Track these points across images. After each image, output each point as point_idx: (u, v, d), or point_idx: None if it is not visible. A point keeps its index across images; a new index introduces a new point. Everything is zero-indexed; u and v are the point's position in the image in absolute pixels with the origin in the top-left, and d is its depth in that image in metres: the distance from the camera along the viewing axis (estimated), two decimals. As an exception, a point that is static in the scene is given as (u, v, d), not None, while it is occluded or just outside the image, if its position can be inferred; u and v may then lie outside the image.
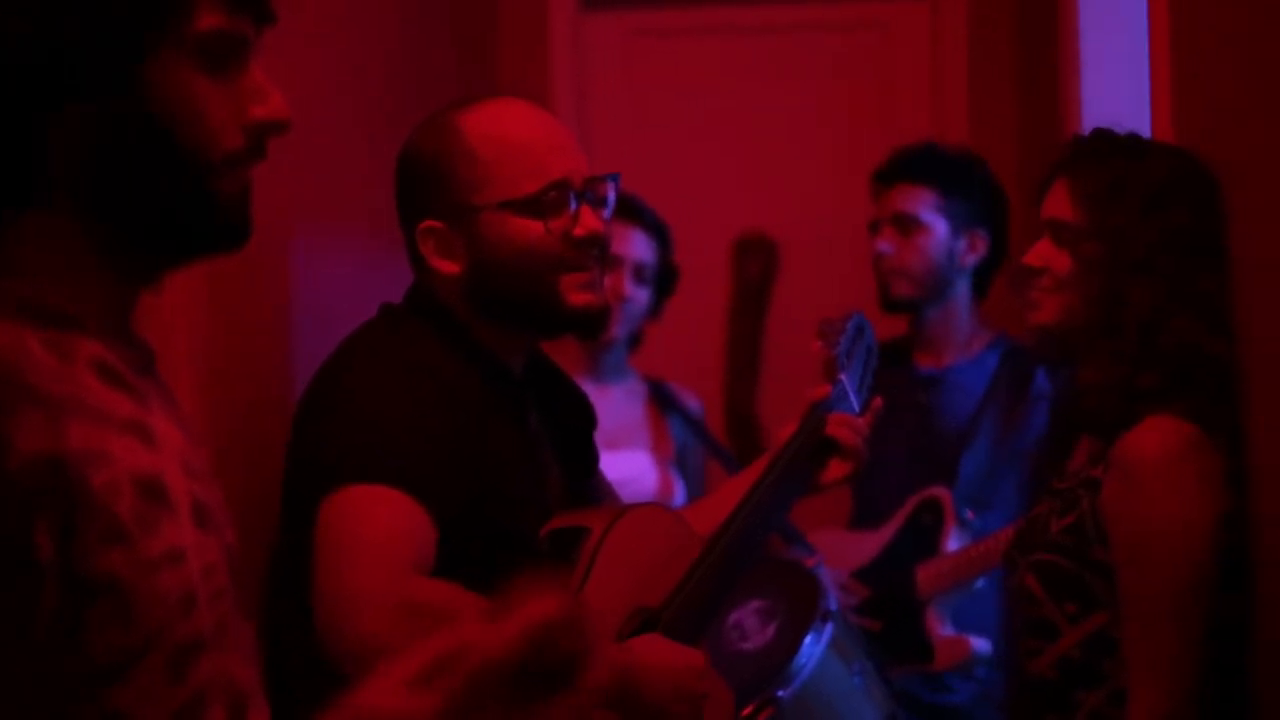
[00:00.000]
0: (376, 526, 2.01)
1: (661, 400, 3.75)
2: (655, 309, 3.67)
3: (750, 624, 2.44)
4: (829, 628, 2.37)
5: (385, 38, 3.61)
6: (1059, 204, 2.40)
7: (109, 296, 1.28)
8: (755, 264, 4.30)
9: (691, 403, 3.83)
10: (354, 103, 3.32)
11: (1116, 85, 3.46)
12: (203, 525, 1.25)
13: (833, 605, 2.41)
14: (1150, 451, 2.24)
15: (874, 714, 2.41)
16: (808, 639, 2.34)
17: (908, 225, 3.46)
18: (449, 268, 2.21)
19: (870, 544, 3.43)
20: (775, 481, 2.31)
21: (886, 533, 3.42)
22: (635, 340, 3.71)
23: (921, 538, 3.37)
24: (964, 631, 3.30)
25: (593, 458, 2.36)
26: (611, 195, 2.28)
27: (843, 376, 2.44)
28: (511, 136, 2.22)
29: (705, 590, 2.17)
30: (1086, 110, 3.43)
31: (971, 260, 3.46)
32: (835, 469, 2.39)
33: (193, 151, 1.26)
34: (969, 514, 3.36)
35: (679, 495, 3.63)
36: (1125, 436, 2.26)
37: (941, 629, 3.29)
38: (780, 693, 2.29)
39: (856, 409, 2.44)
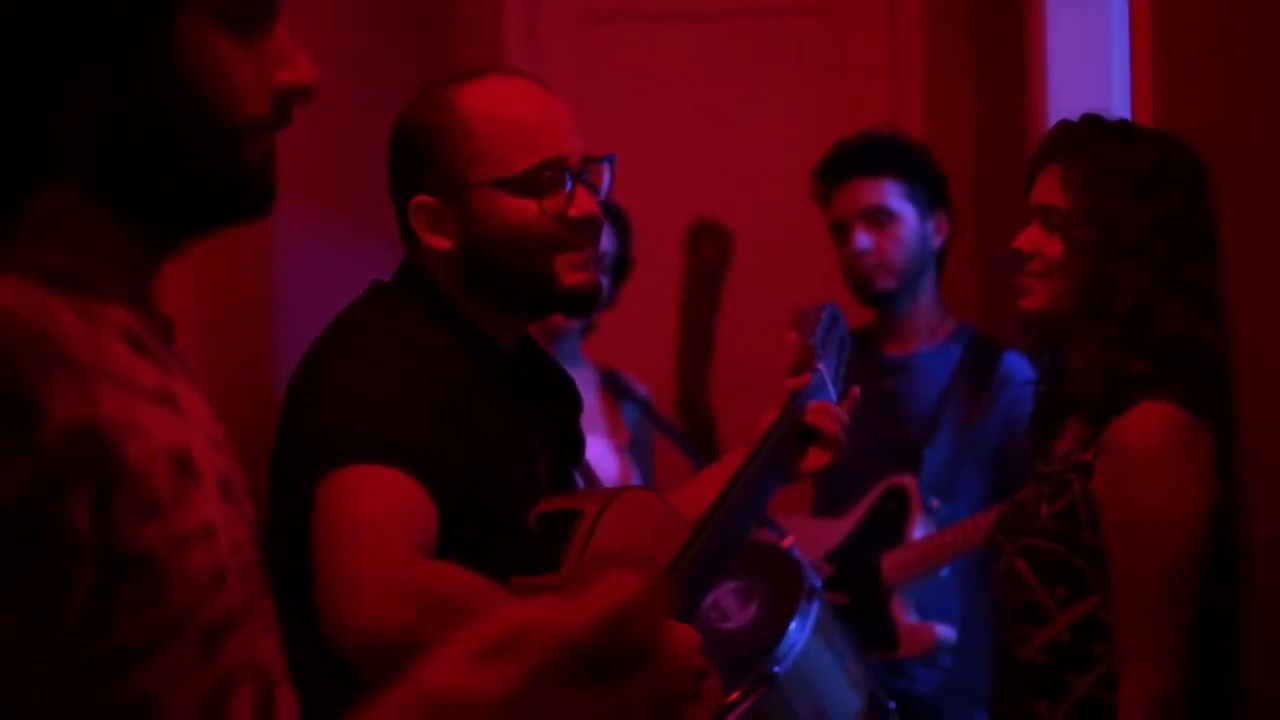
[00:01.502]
0: (377, 506, 1.96)
1: (614, 388, 3.73)
2: (610, 297, 3.65)
3: (729, 604, 2.42)
4: (815, 606, 2.35)
5: (342, 20, 3.56)
6: (1049, 189, 2.39)
7: (132, 266, 1.23)
8: (708, 250, 4.28)
9: (640, 391, 3.81)
10: (341, 79, 3.26)
11: (1083, 72, 3.47)
12: (229, 500, 1.21)
13: (816, 583, 2.40)
14: (1143, 437, 2.23)
15: (856, 692, 2.40)
16: (795, 618, 2.32)
17: (880, 218, 3.44)
18: (440, 244, 2.18)
19: (835, 530, 3.43)
20: (759, 468, 2.29)
21: (851, 519, 3.42)
22: (588, 328, 3.69)
23: (886, 525, 3.38)
24: (928, 619, 3.30)
25: (579, 444, 2.34)
26: (607, 177, 2.25)
27: (820, 365, 2.42)
28: (507, 112, 2.18)
29: (693, 575, 2.14)
30: (1052, 98, 3.43)
31: (938, 243, 3.48)
32: (815, 457, 2.37)
33: (219, 116, 1.20)
34: (934, 502, 3.36)
35: (635, 482, 3.60)
36: (1117, 421, 2.26)
37: (905, 616, 3.30)
38: (776, 669, 2.27)
39: (834, 398, 2.43)
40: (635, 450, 3.72)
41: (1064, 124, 2.45)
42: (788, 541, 2.77)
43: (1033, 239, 2.39)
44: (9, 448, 1.04)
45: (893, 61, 4.52)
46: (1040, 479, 2.38)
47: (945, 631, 3.28)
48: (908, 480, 3.38)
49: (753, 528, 2.34)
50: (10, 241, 1.20)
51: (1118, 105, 3.11)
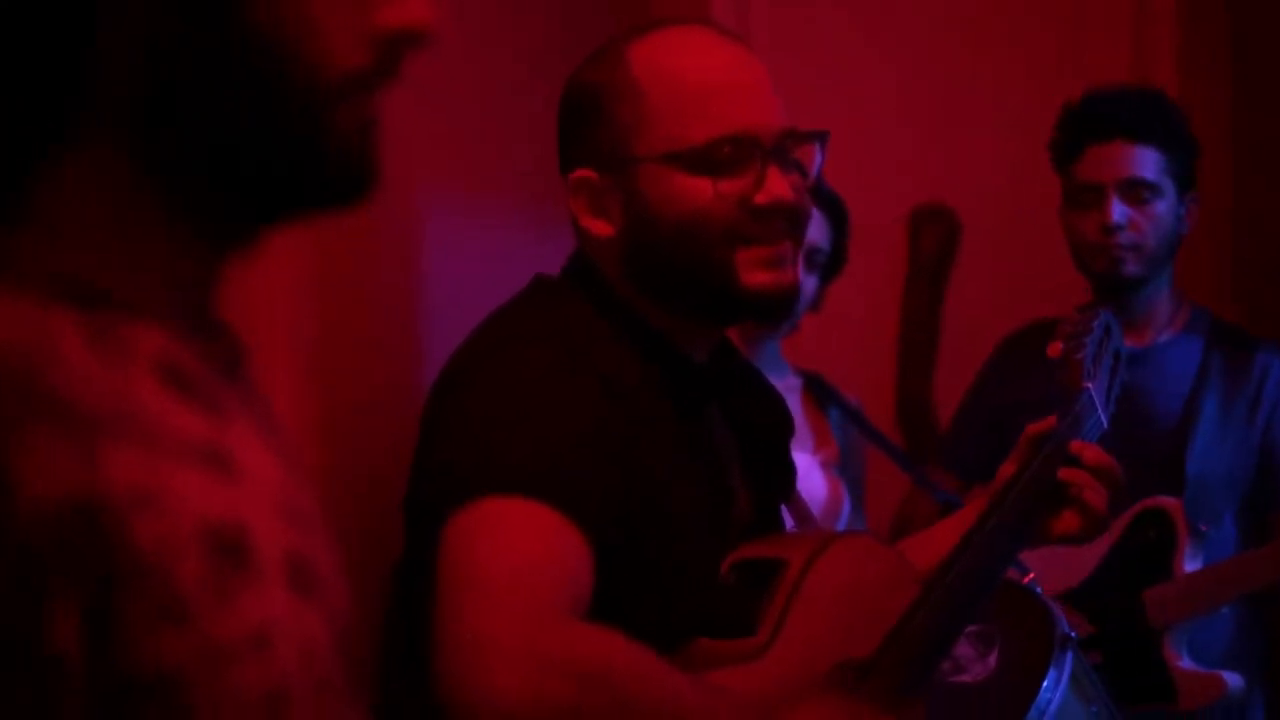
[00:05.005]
0: (516, 551, 1.65)
1: (820, 395, 3.38)
2: (817, 297, 3.30)
3: (965, 652, 2.09)
4: (1069, 658, 2.01)
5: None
6: None
7: (180, 268, 0.98)
8: (932, 238, 3.92)
9: (848, 399, 3.47)
10: (500, 34, 2.95)
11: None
12: (302, 591, 0.94)
13: (1068, 630, 2.05)
14: None
15: None
16: (1049, 674, 1.98)
17: (1142, 192, 3.09)
18: (601, 229, 1.89)
19: (1081, 562, 3.05)
20: (1005, 519, 1.93)
21: (1100, 548, 3.03)
22: (791, 328, 3.34)
23: (1146, 555, 3.00)
24: (1203, 664, 2.95)
25: (790, 476, 1.99)
26: (818, 158, 1.91)
27: (1089, 385, 2.08)
28: (688, 73, 1.86)
29: (925, 640, 1.79)
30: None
31: (1188, 227, 3.16)
32: (1070, 521, 2.02)
33: (300, 69, 0.95)
34: (1202, 526, 2.99)
35: (846, 502, 3.27)
36: None
37: (1180, 663, 2.93)
38: None
39: (1105, 424, 2.09)
40: (844, 466, 3.38)
41: None
42: (1027, 579, 2.44)
43: None
44: None
45: (1140, 8, 4.07)
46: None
47: (1234, 680, 2.92)
48: (1170, 503, 2.99)
49: (995, 589, 1.98)
50: (17, 231, 0.93)
51: None
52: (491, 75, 2.85)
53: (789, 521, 2.03)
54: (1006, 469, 2.03)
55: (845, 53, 4.19)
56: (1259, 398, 3.11)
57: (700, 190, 1.84)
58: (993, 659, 2.10)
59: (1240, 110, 3.86)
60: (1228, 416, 3.12)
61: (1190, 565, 2.95)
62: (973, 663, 2.10)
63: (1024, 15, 4.16)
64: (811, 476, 3.19)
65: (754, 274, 1.85)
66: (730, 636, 1.73)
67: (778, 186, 1.84)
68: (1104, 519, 2.01)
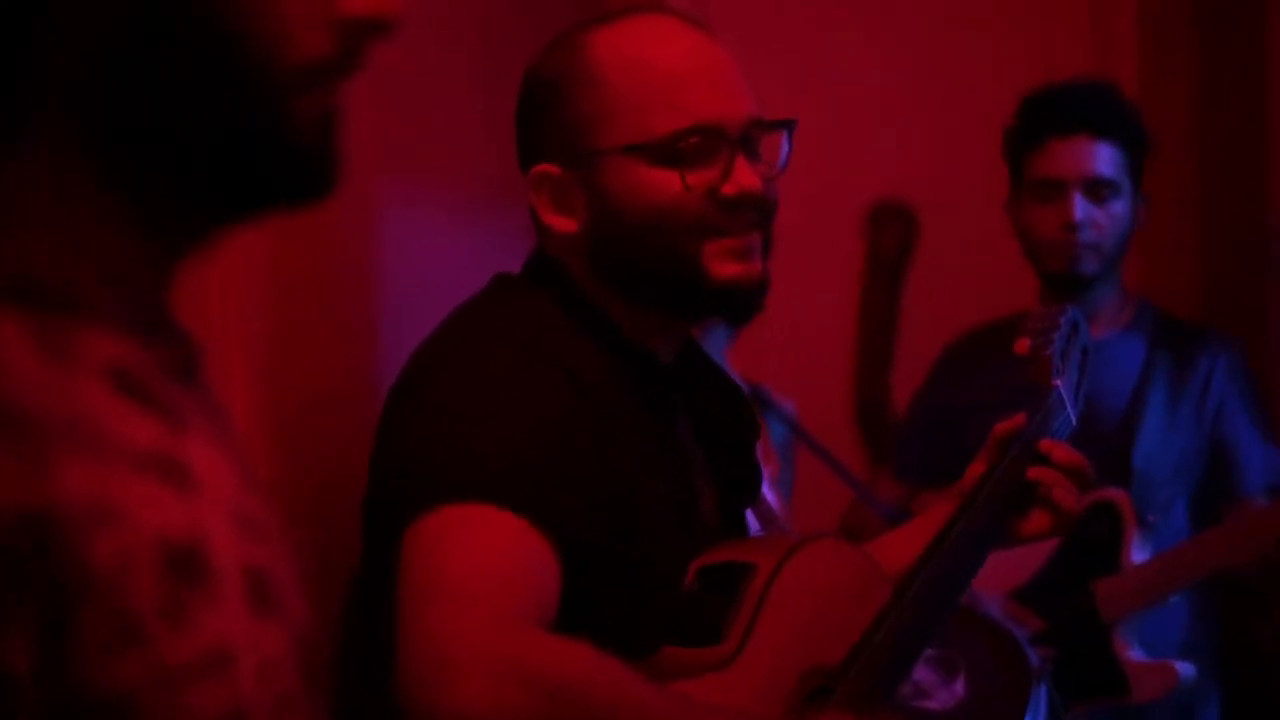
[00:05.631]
0: (480, 559, 1.60)
1: (760, 404, 3.35)
2: None
3: (927, 677, 2.05)
4: (1043, 693, 1.98)
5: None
6: None
7: (133, 270, 0.94)
8: (890, 236, 3.91)
9: (784, 406, 3.44)
10: (455, 23, 2.92)
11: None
12: (260, 606, 0.92)
13: (1038, 661, 2.02)
14: None
15: None
16: (1027, 713, 1.94)
17: (1103, 190, 3.06)
18: (564, 224, 1.84)
19: (1030, 558, 3.03)
20: (975, 520, 1.90)
21: (1049, 542, 3.01)
22: (734, 332, 3.30)
23: (1095, 548, 2.99)
24: (1156, 654, 2.95)
25: (756, 479, 1.95)
26: (786, 148, 1.87)
27: (1058, 383, 2.04)
28: (652, 61, 1.81)
29: (894, 647, 1.76)
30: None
31: (1138, 225, 3.14)
32: (1039, 521, 1.98)
33: (259, 57, 0.91)
34: (1150, 517, 3.00)
35: (786, 519, 3.23)
36: None
37: (1131, 655, 2.93)
38: None
39: (1074, 421, 2.05)
40: (781, 480, 3.35)
41: None
42: None
43: None
44: None
45: (1100, 11, 4.05)
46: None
47: (1186, 669, 2.92)
48: (1117, 495, 2.99)
49: (960, 597, 1.95)
50: None
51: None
52: (448, 66, 2.82)
53: (754, 524, 1.99)
54: (975, 469, 1.99)
55: (802, 46, 4.17)
56: (1206, 391, 3.10)
57: (667, 182, 1.79)
58: (959, 686, 2.06)
59: (1201, 103, 3.85)
60: (1174, 409, 3.10)
61: (1139, 557, 2.96)
62: (937, 689, 2.07)
63: (984, 10, 4.15)
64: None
65: (723, 266, 1.80)
66: (697, 644, 1.69)
67: (746, 177, 1.80)
68: (1074, 518, 1.97)
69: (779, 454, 3.35)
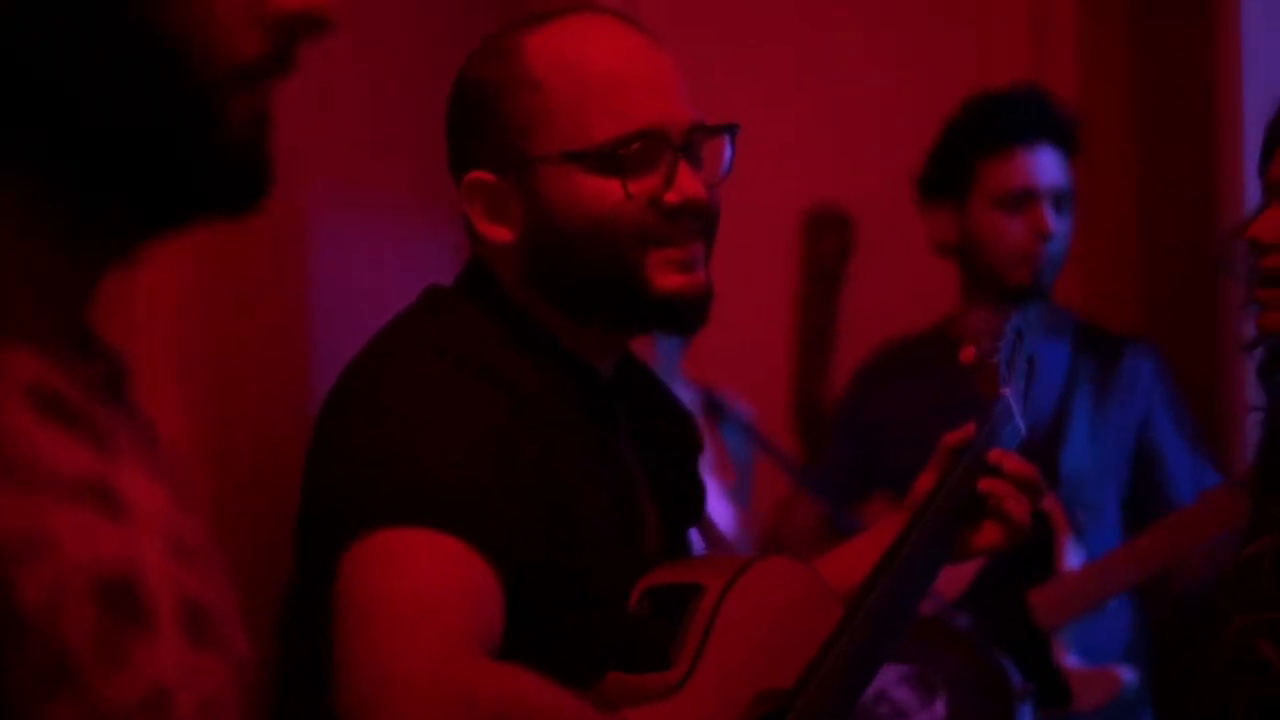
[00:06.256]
0: (420, 583, 1.56)
1: (715, 412, 3.30)
2: None
3: (905, 697, 2.01)
4: (1027, 715, 1.94)
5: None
6: None
7: (56, 283, 0.90)
8: (829, 243, 3.87)
9: (741, 412, 3.40)
10: (386, 24, 2.88)
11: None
12: (198, 639, 0.88)
13: (1021, 683, 1.98)
14: None
15: None
16: None
17: (1065, 203, 3.04)
18: (499, 234, 1.77)
19: (962, 570, 2.99)
20: (925, 534, 1.85)
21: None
22: (688, 340, 3.26)
23: (1028, 556, 2.94)
24: (1095, 660, 2.94)
25: (700, 497, 1.91)
26: (728, 153, 1.82)
27: (1006, 391, 1.98)
28: (589, 65, 1.75)
29: (848, 668, 1.71)
30: (1247, 56, 2.96)
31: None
32: (990, 534, 1.93)
33: (190, 56, 0.88)
34: (1080, 516, 3.00)
35: (744, 530, 3.21)
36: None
37: (1068, 661, 2.91)
38: None
39: (1023, 430, 2.00)
40: (738, 488, 3.32)
41: None
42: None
43: (1277, 225, 1.93)
44: None
45: (1038, 12, 4.03)
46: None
47: (1128, 674, 2.91)
48: (1047, 502, 2.95)
49: (914, 614, 1.90)
50: None
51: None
52: (378, 69, 2.77)
53: (698, 544, 1.94)
54: (924, 481, 1.94)
55: (734, 50, 4.13)
56: (1132, 396, 3.09)
57: (607, 191, 1.74)
58: (940, 707, 2.03)
59: (1143, 103, 3.83)
60: (1100, 415, 3.09)
61: (1073, 562, 2.94)
62: (916, 710, 2.03)
63: (921, 15, 4.12)
64: (714, 504, 3.11)
65: (666, 277, 1.75)
66: (644, 670, 1.64)
67: (690, 184, 1.75)
68: (1025, 530, 1.93)
69: (735, 464, 3.32)
